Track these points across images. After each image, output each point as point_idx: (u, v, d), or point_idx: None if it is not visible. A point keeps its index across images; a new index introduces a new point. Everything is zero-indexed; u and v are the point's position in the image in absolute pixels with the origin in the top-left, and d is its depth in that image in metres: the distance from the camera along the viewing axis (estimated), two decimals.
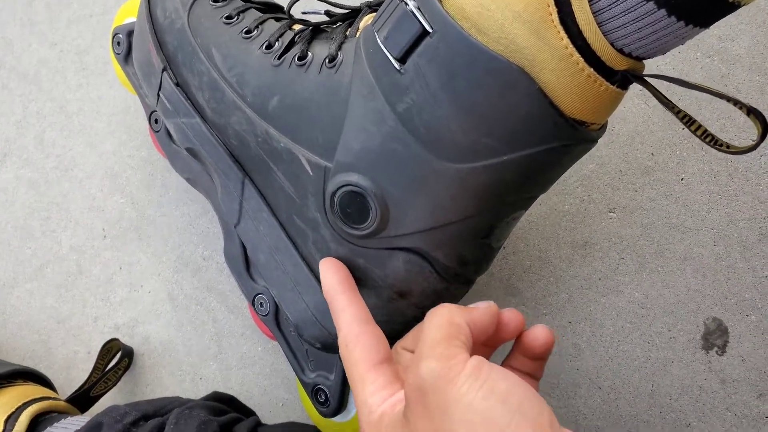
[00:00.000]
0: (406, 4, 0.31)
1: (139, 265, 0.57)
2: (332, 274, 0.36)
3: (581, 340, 0.46)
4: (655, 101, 0.46)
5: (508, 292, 0.48)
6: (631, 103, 0.47)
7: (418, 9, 0.31)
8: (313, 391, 0.41)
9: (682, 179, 0.46)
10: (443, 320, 0.29)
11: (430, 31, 0.30)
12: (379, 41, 0.32)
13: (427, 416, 0.27)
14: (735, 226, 0.44)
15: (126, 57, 0.48)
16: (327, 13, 0.41)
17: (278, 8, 0.46)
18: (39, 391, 0.50)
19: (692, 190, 0.46)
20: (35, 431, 0.46)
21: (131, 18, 0.50)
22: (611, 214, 0.47)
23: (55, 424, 0.46)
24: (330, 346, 0.40)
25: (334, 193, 0.35)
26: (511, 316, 0.33)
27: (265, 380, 0.52)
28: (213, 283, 0.55)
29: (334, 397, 0.40)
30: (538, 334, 0.34)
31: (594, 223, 0.47)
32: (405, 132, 0.32)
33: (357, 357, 0.32)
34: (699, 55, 0.47)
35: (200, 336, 0.54)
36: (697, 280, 0.44)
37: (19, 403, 0.47)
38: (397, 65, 0.32)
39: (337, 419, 0.42)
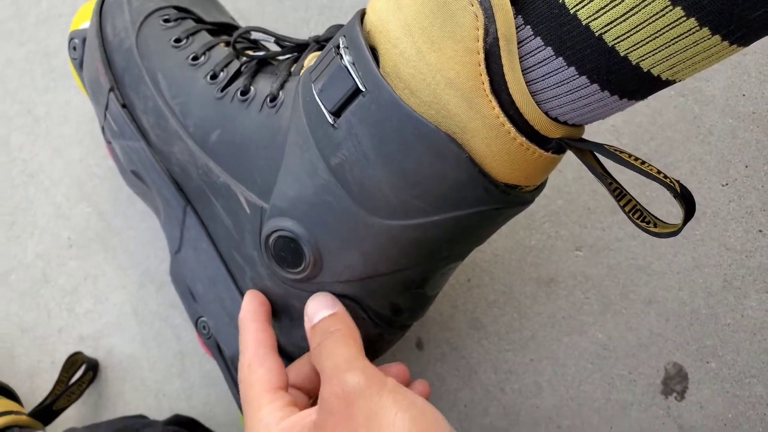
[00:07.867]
0: (341, 57, 0.30)
1: (104, 276, 0.56)
2: (249, 304, 0.37)
3: (542, 379, 0.46)
4: (627, 138, 0.45)
5: (472, 325, 0.48)
6: (602, 138, 0.46)
7: (353, 65, 0.30)
8: None
9: None
10: (347, 339, 0.32)
11: (363, 90, 0.29)
12: (314, 92, 0.32)
13: (349, 423, 0.29)
14: (700, 272, 0.44)
15: (81, 63, 0.47)
16: (277, 42, 0.40)
17: (232, 29, 0.44)
18: (3, 404, 0.50)
19: None
20: None
21: (87, 22, 0.48)
22: (578, 252, 0.46)
23: None
24: None
25: (269, 236, 0.35)
26: (398, 371, 0.38)
27: (228, 401, 0.52)
28: (177, 300, 0.54)
29: None
30: (420, 389, 0.38)
31: (560, 260, 0.46)
32: (338, 186, 0.32)
33: (258, 378, 0.33)
34: (673, 94, 0.46)
35: (164, 352, 0.54)
36: (660, 324, 0.44)
37: None
38: (330, 119, 0.31)
39: None
